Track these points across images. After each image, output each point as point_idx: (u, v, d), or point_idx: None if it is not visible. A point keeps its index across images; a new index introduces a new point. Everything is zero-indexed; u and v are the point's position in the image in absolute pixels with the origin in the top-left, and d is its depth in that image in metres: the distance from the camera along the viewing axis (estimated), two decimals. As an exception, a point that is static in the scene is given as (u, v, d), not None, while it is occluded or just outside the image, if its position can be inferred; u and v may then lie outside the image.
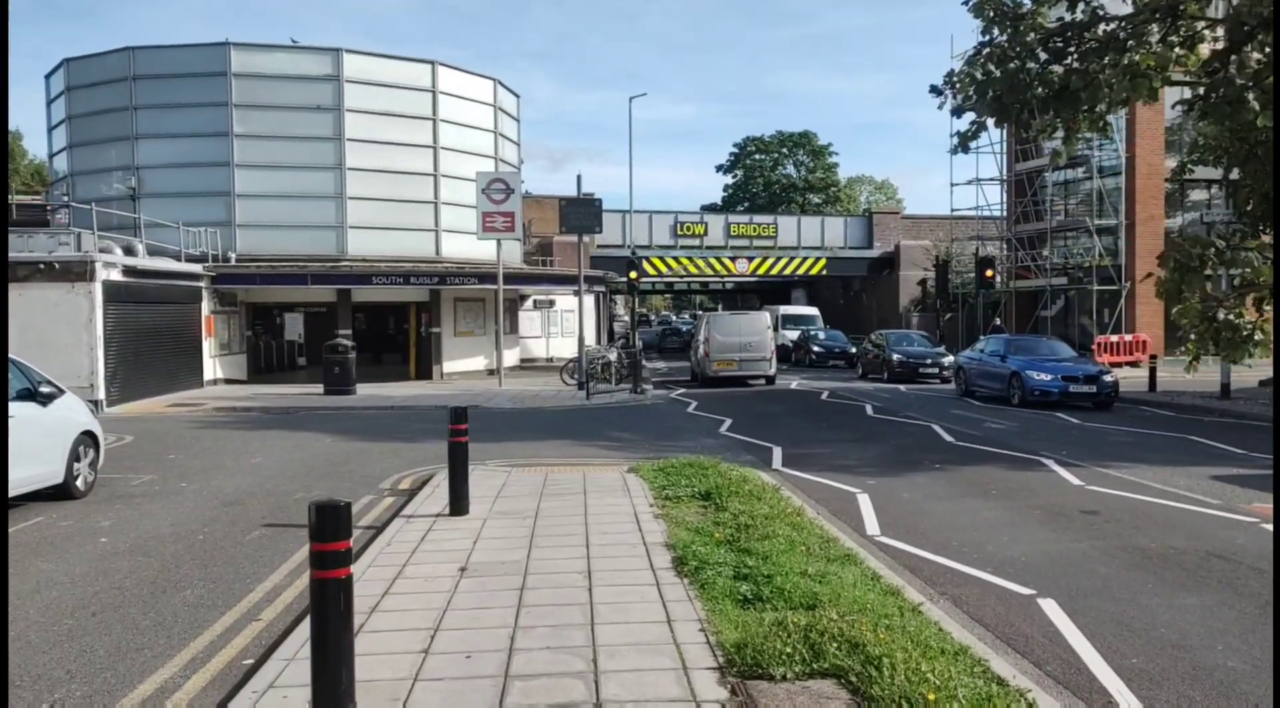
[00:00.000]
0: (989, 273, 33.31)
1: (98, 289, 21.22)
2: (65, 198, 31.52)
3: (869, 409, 21.73)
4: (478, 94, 34.17)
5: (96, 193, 30.45)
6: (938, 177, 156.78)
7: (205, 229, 28.63)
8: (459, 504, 9.58)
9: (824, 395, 25.45)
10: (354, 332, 36.77)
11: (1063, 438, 16.39)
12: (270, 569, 8.10)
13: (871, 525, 9.67)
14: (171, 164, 30.10)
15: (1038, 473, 12.74)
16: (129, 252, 26.00)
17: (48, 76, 33.07)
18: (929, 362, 30.43)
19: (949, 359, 29.60)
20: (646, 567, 7.52)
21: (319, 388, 24.99)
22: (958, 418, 19.52)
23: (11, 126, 55.73)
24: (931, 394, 25.61)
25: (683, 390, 27.33)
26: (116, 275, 22.18)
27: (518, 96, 37.55)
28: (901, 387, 28.21)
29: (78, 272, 21.10)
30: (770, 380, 28.54)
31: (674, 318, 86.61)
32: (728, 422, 19.31)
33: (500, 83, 35.17)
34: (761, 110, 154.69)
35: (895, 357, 30.37)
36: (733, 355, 28.06)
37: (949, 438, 16.51)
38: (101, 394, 21.20)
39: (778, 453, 14.92)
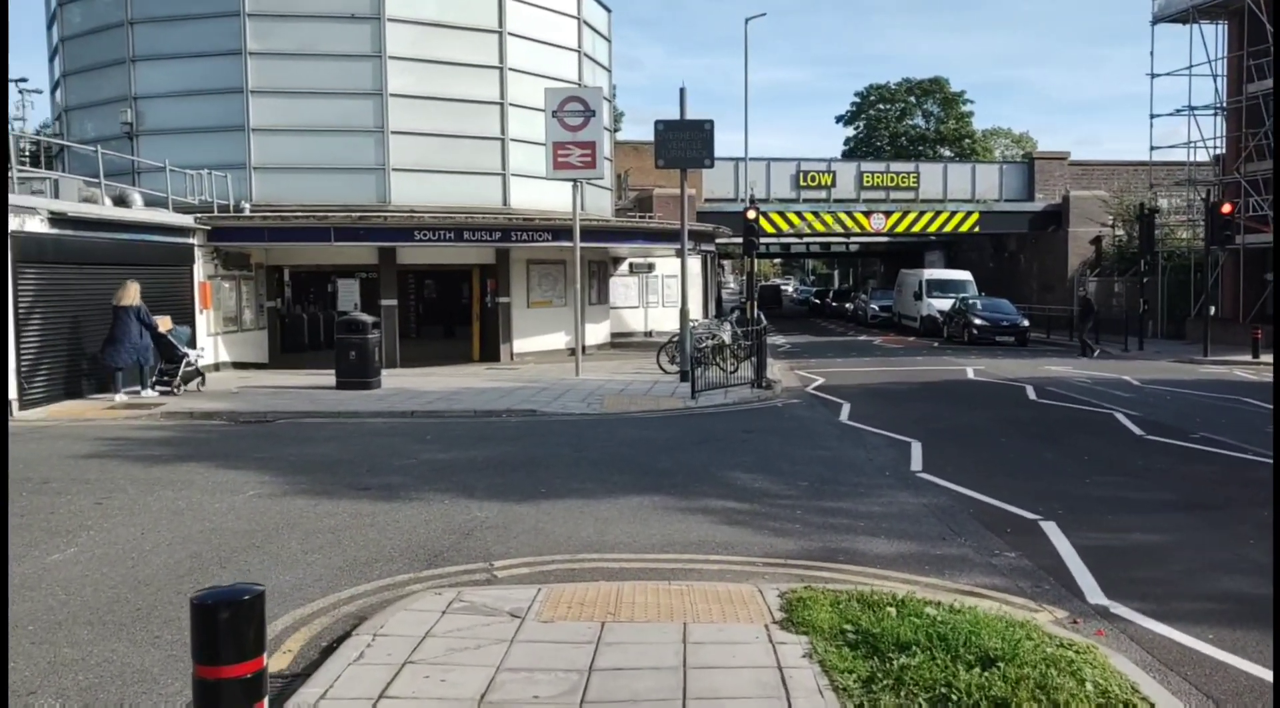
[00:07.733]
0: (1227, 207, 25.04)
1: (7, 246, 14.98)
2: (60, 138, 25.87)
3: (1127, 423, 14.12)
4: (557, 3, 27.13)
5: (94, 132, 24.72)
6: (1067, 135, 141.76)
7: (208, 172, 22.37)
8: None
9: (1030, 393, 17.87)
10: (421, 300, 30.58)
11: None
12: None
13: None
14: (175, 93, 23.91)
15: None
16: (121, 202, 20.15)
17: (44, -6, 27.38)
18: None
19: None
20: None
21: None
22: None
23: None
24: (1167, 384, 17.87)
25: (821, 382, 20.11)
26: (38, 226, 15.94)
27: (609, 11, 30.38)
28: (1131, 378, 20.37)
29: (-26, 220, 14.88)
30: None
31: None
32: (915, 447, 12.08)
33: (586, -11, 28.09)
34: (873, 72, 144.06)
35: None
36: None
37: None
38: (11, 392, 15.07)
39: (1058, 539, 7.71)
